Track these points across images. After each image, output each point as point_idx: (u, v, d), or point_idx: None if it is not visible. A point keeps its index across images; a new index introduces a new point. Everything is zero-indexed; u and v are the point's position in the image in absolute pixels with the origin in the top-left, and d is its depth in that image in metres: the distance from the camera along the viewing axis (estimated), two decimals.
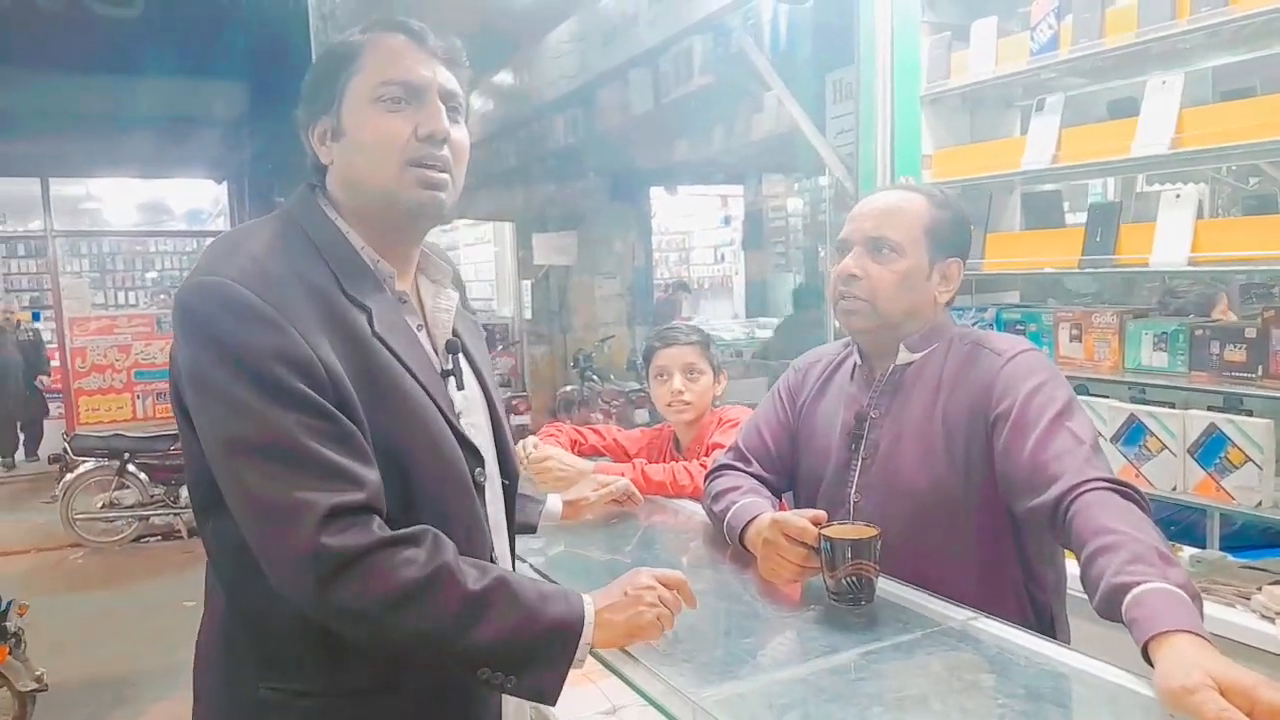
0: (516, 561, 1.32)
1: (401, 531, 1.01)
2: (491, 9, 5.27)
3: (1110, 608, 1.11)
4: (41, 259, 10.53)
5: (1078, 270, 2.28)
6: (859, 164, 2.86)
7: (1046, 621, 1.49)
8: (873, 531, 1.30)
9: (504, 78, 6.50)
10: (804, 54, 3.69)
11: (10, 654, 3.43)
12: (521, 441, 2.10)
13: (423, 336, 1.14)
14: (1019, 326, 2.48)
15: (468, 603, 1.01)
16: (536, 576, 1.35)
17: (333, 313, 1.02)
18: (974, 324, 2.52)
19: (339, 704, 1.07)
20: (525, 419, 7.88)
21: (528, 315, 9.24)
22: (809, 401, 1.69)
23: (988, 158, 2.49)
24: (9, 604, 3.56)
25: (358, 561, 0.96)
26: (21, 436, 8.59)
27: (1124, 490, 1.24)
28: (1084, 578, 1.19)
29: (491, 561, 1.16)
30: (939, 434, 1.47)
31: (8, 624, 3.48)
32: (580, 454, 2.25)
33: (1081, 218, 2.41)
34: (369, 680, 1.07)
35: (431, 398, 1.09)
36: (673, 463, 2.06)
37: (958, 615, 1.26)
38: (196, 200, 11.61)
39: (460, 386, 1.17)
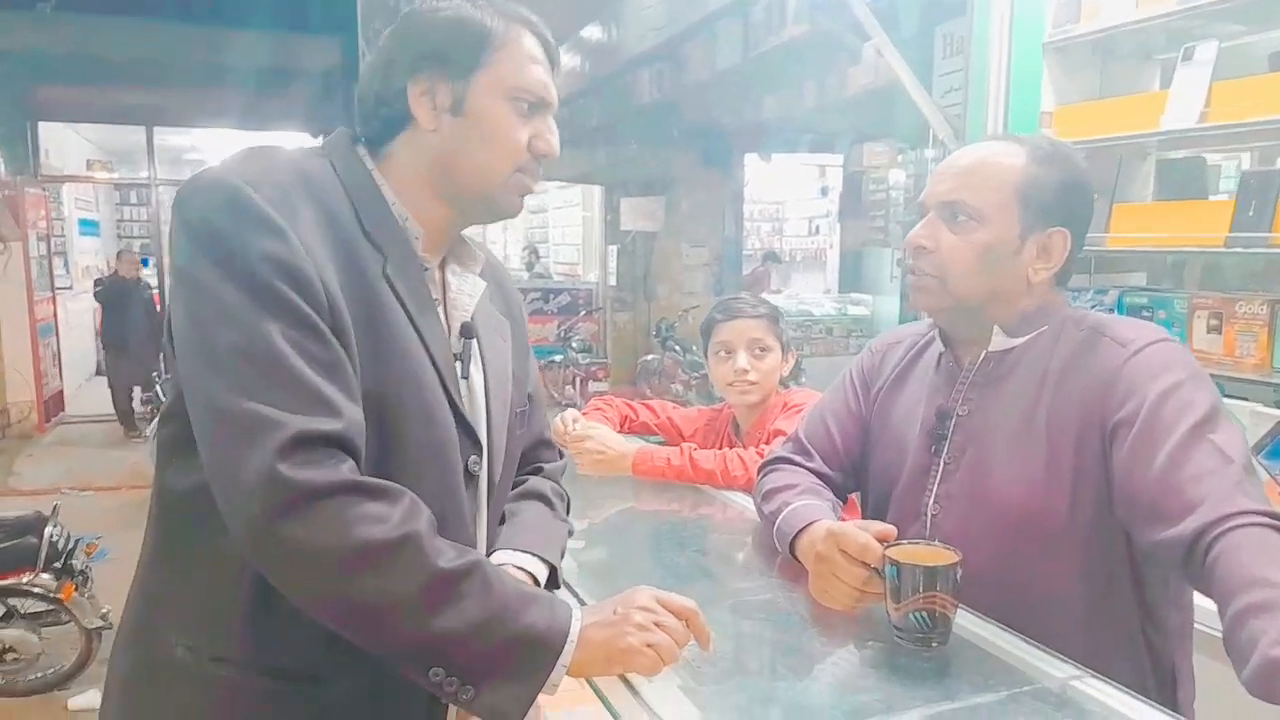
0: None
1: (374, 481, 0.88)
2: None
3: (1267, 687, 0.85)
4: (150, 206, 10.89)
5: (1224, 249, 1.93)
6: (966, 123, 2.54)
7: (1167, 676, 1.22)
8: (952, 557, 1.05)
9: (592, 32, 6.26)
10: (910, 3, 3.34)
11: (76, 591, 3.47)
12: (561, 415, 1.91)
13: (440, 313, 1.05)
14: (1145, 313, 2.14)
15: (434, 582, 0.87)
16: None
17: (344, 243, 0.94)
18: (1092, 309, 2.19)
19: (256, 681, 0.95)
20: (604, 385, 7.76)
21: (613, 281, 9.09)
22: (885, 390, 1.43)
23: (1120, 115, 2.14)
24: (77, 541, 3.61)
25: (314, 502, 0.84)
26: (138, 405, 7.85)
27: None
28: (1230, 640, 0.92)
29: None
30: (1040, 439, 1.20)
31: (74, 562, 3.52)
32: (631, 431, 2.05)
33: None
34: (295, 661, 0.95)
35: (436, 367, 0.99)
36: (725, 449, 1.83)
37: (1056, 671, 1.00)
38: None
39: (465, 375, 1.06)
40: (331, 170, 0.99)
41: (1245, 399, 1.96)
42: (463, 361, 1.06)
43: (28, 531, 3.53)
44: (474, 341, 1.08)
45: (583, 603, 1.16)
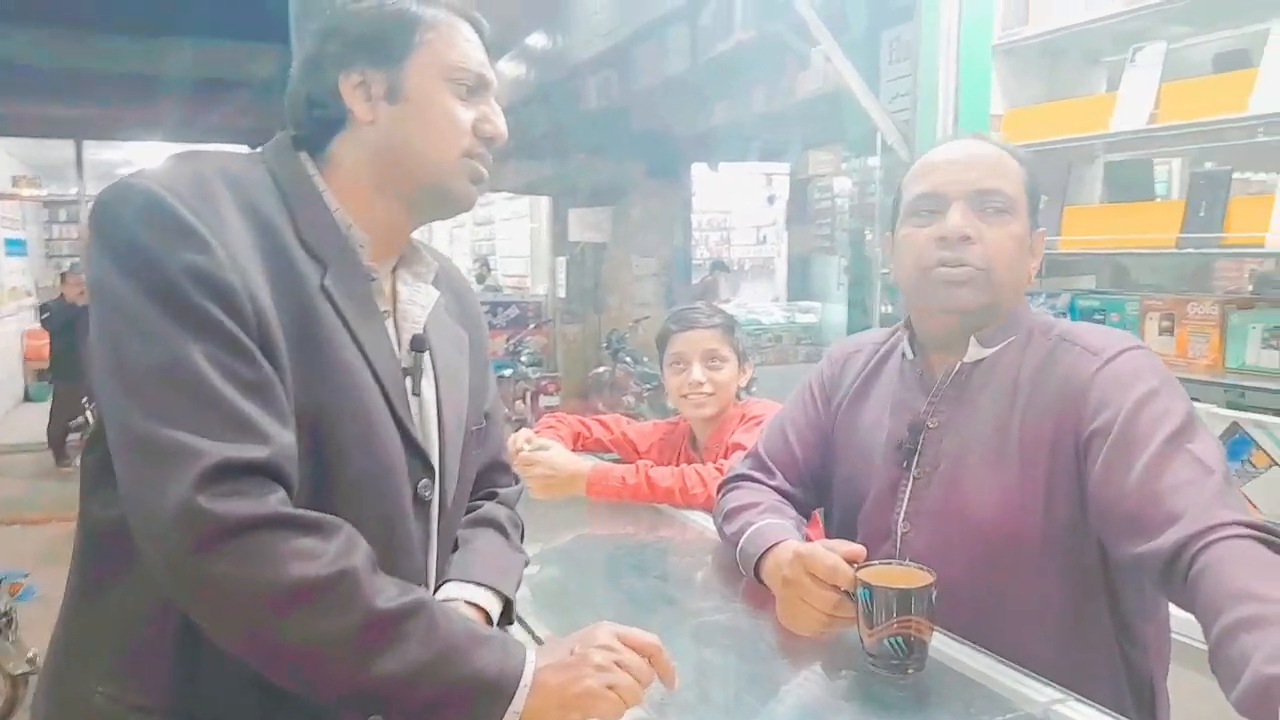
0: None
1: (306, 513, 0.82)
2: None
3: (1259, 708, 0.80)
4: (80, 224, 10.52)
5: (1175, 250, 1.92)
6: (916, 128, 2.53)
7: (1145, 692, 1.18)
8: (927, 579, 0.99)
9: (538, 39, 6.18)
10: (858, 6, 3.33)
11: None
12: (514, 435, 1.83)
13: (389, 326, 0.99)
14: (1098, 316, 2.14)
15: (372, 623, 0.80)
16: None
17: (277, 253, 0.88)
18: (1050, 314, 2.18)
19: None
20: (555, 400, 7.64)
21: (562, 293, 9.00)
22: (847, 401, 1.38)
23: (1069, 118, 2.14)
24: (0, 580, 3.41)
25: (239, 536, 0.77)
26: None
27: (1273, 540, 0.92)
28: (1216, 656, 0.87)
29: None
30: (1014, 452, 1.15)
31: None
32: (584, 449, 1.97)
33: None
34: (224, 711, 0.87)
35: (381, 384, 0.92)
36: (684, 465, 1.76)
37: (1039, 696, 0.94)
38: None
39: (415, 391, 0.98)
40: (268, 176, 0.93)
41: (1198, 400, 1.95)
42: (413, 377, 0.98)
43: None
44: (425, 355, 1.00)
45: (536, 638, 1.09)
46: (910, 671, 0.99)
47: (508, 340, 8.85)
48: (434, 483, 0.98)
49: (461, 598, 1.02)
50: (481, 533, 1.12)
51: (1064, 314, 2.19)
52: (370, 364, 0.91)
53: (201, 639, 0.82)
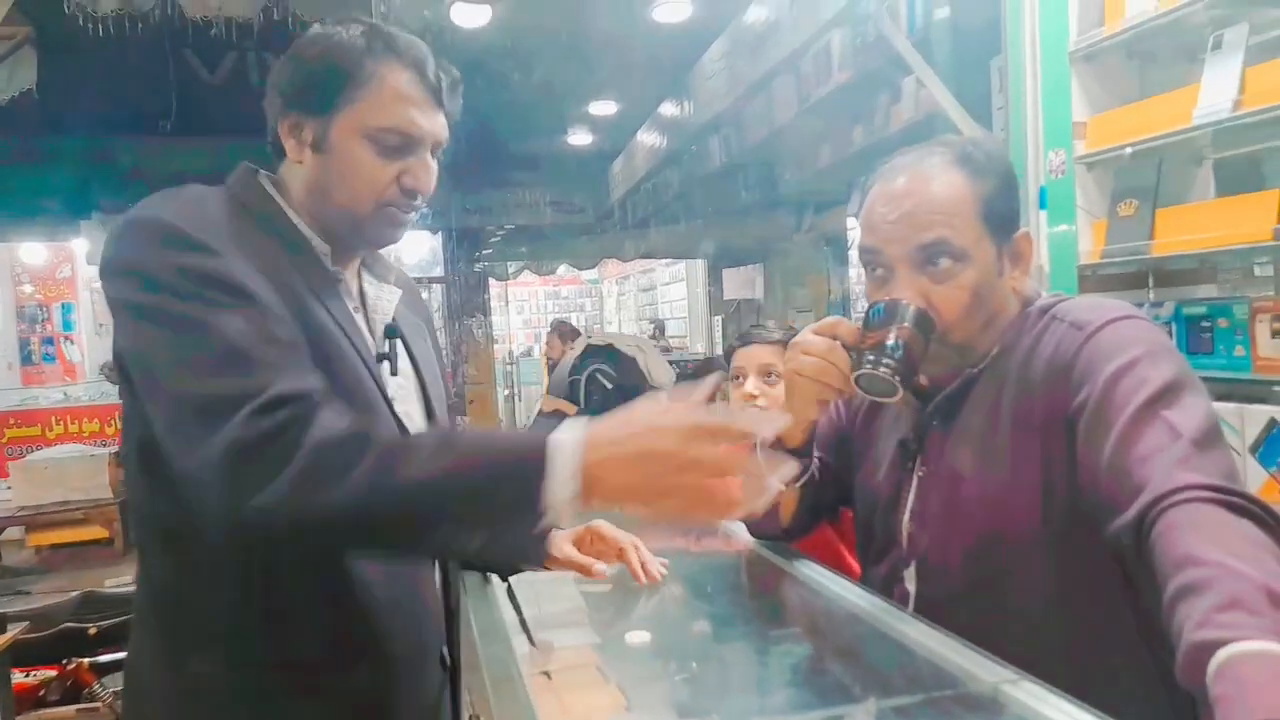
0: None
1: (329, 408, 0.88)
2: (657, 37, 5.21)
3: (1191, 677, 0.74)
4: None
5: (1273, 243, 1.76)
6: (1009, 145, 2.46)
7: (1184, 700, 1.07)
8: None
9: (667, 108, 6.43)
10: (961, 38, 3.29)
11: None
12: None
13: (359, 319, 1.10)
14: (1205, 323, 1.97)
15: (387, 451, 0.84)
16: None
17: (267, 264, 0.97)
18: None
19: (277, 676, 0.98)
20: None
21: (719, 351, 9.11)
22: (865, 406, 1.37)
23: (1152, 115, 2.02)
24: None
25: (274, 441, 0.83)
26: None
27: (1234, 501, 0.85)
28: (1167, 634, 0.81)
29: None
30: (1006, 442, 1.10)
31: None
32: None
33: None
34: (312, 650, 0.98)
35: (367, 367, 1.04)
36: None
37: (986, 674, 0.90)
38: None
39: (394, 372, 1.10)
40: (240, 203, 1.03)
41: None
42: (391, 361, 1.09)
43: None
44: (398, 341, 1.12)
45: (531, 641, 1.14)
46: (897, 380, 1.04)
47: None
48: None
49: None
50: None
51: (1169, 323, 2.03)
52: (356, 349, 1.02)
53: (282, 597, 0.96)
